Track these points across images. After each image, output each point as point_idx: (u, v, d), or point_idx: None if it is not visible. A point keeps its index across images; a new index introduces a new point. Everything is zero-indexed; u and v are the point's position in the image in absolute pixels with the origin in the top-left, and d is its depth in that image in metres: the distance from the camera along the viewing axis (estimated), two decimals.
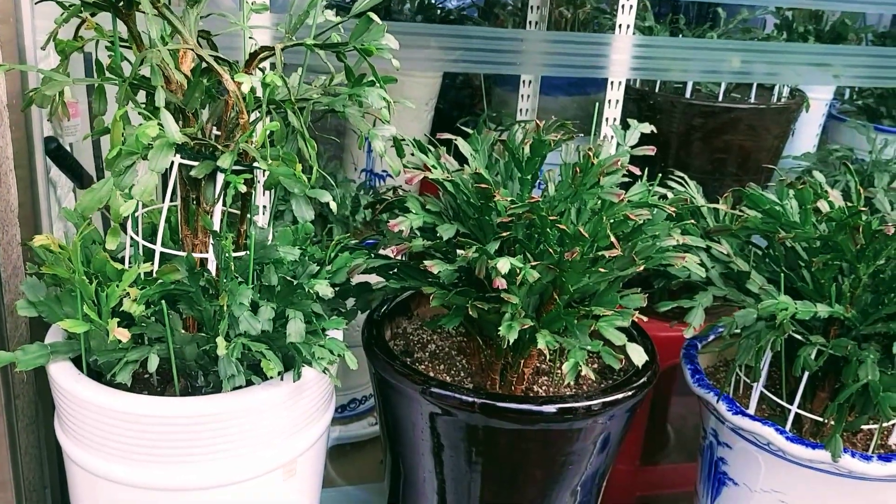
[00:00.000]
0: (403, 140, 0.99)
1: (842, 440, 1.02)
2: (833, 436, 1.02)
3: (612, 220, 0.94)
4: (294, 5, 0.92)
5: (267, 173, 0.84)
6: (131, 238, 0.94)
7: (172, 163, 0.86)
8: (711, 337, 1.29)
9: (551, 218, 0.90)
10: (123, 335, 0.82)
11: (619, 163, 0.98)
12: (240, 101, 0.84)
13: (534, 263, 0.90)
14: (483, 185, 0.93)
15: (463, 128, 1.09)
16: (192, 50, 0.84)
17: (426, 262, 0.92)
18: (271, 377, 0.89)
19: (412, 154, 1.02)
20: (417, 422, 1.03)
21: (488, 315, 0.93)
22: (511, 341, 0.89)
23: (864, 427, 1.11)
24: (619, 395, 1.00)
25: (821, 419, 1.09)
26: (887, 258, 1.03)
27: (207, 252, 0.92)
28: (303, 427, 0.96)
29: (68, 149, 1.21)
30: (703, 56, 1.43)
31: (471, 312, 0.93)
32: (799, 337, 1.06)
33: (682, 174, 1.23)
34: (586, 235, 0.90)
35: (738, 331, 1.07)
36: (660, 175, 1.08)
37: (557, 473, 1.04)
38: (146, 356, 0.87)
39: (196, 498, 0.91)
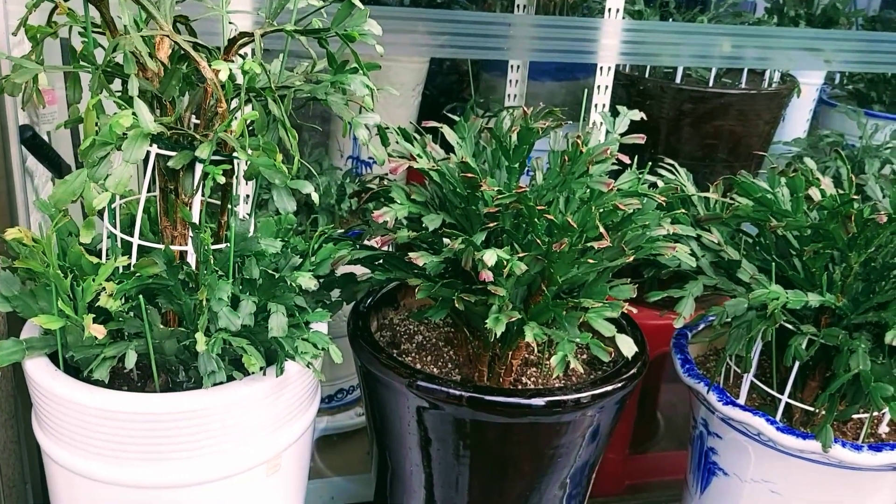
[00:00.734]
0: (388, 128, 0.97)
1: (832, 430, 1.01)
2: (824, 426, 1.01)
3: (601, 210, 0.92)
4: None
5: (247, 163, 0.81)
6: (108, 230, 0.91)
7: (149, 153, 0.84)
8: (702, 326, 1.28)
9: (539, 208, 0.88)
10: (99, 332, 0.79)
11: (609, 151, 0.96)
12: (218, 89, 0.81)
13: (521, 255, 0.88)
14: (469, 175, 0.91)
15: (449, 115, 1.07)
16: (168, 36, 0.81)
17: (411, 255, 0.90)
18: (253, 372, 0.87)
19: (397, 142, 1.00)
20: (404, 415, 1.01)
21: (475, 307, 0.92)
22: (498, 334, 0.87)
23: (855, 416, 1.11)
24: (609, 387, 0.99)
25: (811, 409, 1.09)
26: (878, 246, 1.02)
27: (187, 244, 0.90)
28: (286, 422, 0.94)
29: (45, 137, 1.18)
30: (693, 41, 1.41)
31: (457, 305, 0.91)
32: (790, 326, 1.05)
33: (672, 161, 1.21)
34: (575, 226, 0.88)
35: (729, 320, 1.06)
36: (650, 163, 1.07)
37: (546, 466, 1.02)
38: (124, 352, 0.85)
39: (177, 495, 0.89)
